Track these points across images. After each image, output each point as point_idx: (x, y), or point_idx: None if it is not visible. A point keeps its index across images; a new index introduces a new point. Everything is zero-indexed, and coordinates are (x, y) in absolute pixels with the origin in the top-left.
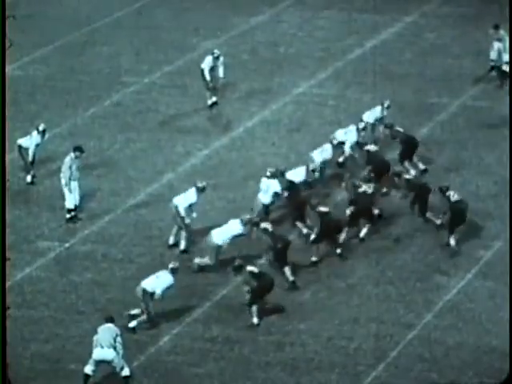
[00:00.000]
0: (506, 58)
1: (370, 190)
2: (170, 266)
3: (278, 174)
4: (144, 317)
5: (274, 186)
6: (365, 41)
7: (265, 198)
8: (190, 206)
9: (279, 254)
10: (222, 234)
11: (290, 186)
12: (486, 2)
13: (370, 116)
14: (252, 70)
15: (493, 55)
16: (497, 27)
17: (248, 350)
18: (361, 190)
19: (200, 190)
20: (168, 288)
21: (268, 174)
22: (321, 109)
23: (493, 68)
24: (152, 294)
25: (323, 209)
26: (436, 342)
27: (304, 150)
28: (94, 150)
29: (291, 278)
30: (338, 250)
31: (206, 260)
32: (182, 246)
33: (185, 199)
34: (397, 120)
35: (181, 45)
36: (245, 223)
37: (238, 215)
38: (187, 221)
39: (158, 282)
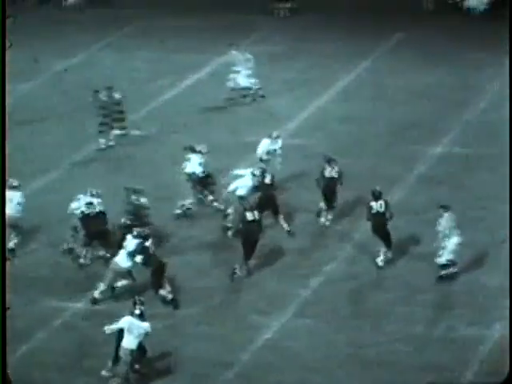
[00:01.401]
0: None
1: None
2: None
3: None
4: None
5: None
6: (177, 82)
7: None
8: None
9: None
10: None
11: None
12: (298, 42)
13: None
14: (64, 113)
15: None
16: None
17: None
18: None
19: None
20: None
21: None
22: (140, 150)
23: None
24: None
25: None
26: (256, 380)
27: None
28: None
29: None
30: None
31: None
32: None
33: None
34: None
35: None
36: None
37: None
38: None
39: None
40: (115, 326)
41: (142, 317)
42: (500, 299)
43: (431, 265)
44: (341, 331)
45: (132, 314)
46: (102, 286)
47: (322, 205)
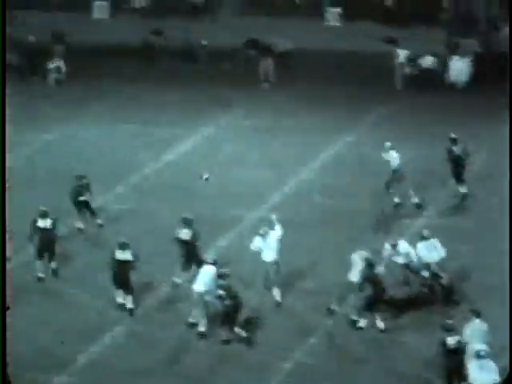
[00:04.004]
0: None
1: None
2: None
3: None
4: None
5: None
6: (160, 154)
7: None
8: None
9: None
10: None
11: None
12: (282, 114)
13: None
14: (48, 189)
15: None
16: None
17: None
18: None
19: None
20: None
21: None
22: (116, 224)
23: None
24: None
25: None
26: None
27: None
28: None
29: None
30: None
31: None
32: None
33: None
34: None
35: None
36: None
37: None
38: None
39: None
40: None
41: None
42: None
43: None
44: None
45: None
46: (201, 319)
47: None
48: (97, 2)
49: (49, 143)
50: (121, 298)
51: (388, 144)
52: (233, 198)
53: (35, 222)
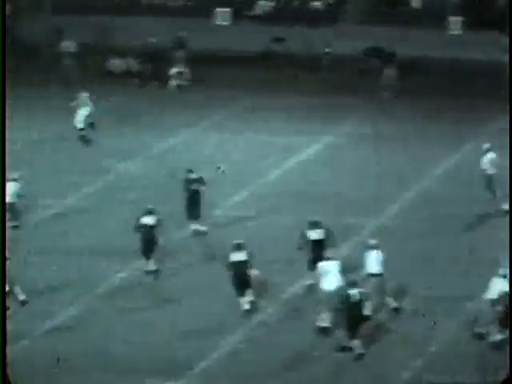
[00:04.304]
0: None
1: None
2: None
3: None
4: None
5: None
6: (283, 161)
7: None
8: None
9: None
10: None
11: None
12: (402, 123)
13: None
14: (169, 192)
15: None
16: None
17: None
18: None
19: None
20: None
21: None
22: (239, 231)
23: None
24: None
25: None
26: None
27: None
28: (11, 272)
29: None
30: None
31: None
32: None
33: None
34: None
35: (95, 167)
36: None
37: (156, 338)
38: None
39: None
40: None
41: None
42: None
43: None
44: None
45: None
46: (325, 316)
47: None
48: (219, 9)
49: (173, 147)
50: (243, 299)
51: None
52: (351, 206)
53: (139, 219)
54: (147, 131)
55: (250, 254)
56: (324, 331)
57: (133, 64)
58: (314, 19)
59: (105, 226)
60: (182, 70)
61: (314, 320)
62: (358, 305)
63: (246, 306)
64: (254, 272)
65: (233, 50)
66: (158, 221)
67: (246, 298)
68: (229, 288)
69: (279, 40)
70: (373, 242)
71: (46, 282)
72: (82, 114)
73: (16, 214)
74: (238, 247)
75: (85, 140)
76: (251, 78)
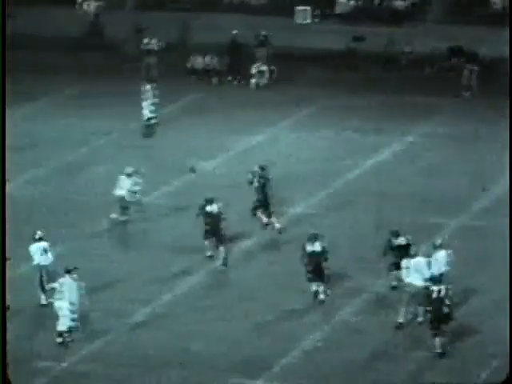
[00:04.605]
0: None
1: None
2: None
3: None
4: None
5: None
6: (363, 161)
7: None
8: None
9: None
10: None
11: None
12: (483, 123)
13: None
14: (249, 190)
15: None
16: None
17: None
18: None
19: None
20: None
21: None
22: (317, 230)
23: None
24: None
25: None
26: None
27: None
28: (91, 270)
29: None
30: None
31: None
32: None
33: None
34: None
35: (179, 165)
36: None
37: (234, 336)
38: None
39: None
40: None
41: None
42: None
43: None
44: None
45: None
46: (402, 312)
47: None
48: (299, 7)
49: (253, 146)
50: (318, 289)
51: None
52: (432, 206)
53: (203, 207)
54: (226, 129)
55: (324, 246)
56: (403, 328)
57: (214, 62)
58: (395, 18)
59: (185, 224)
60: (263, 68)
61: (394, 319)
62: (441, 302)
63: (321, 297)
64: (328, 264)
65: (313, 48)
66: (220, 208)
67: (321, 288)
68: (307, 285)
69: (360, 39)
70: (439, 241)
71: (124, 278)
72: (147, 106)
73: (125, 209)
74: (314, 238)
75: (150, 131)
76: (331, 76)
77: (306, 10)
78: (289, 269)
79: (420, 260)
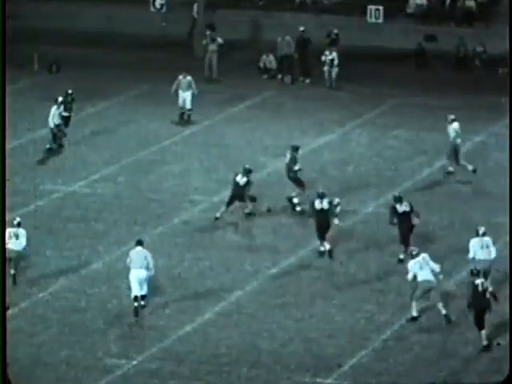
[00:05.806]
0: None
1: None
2: None
3: None
4: None
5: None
6: (433, 160)
7: None
8: None
9: None
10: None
11: None
12: None
13: None
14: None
15: None
16: None
17: None
18: None
19: None
20: None
21: None
22: (389, 228)
23: None
24: None
25: None
26: None
27: (372, 268)
28: (162, 267)
29: None
30: None
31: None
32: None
33: None
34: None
35: (250, 163)
36: None
37: (305, 335)
38: None
39: None
40: None
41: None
42: None
43: None
44: None
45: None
46: (414, 306)
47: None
48: (371, 6)
49: (325, 145)
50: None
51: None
52: (497, 205)
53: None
54: (298, 128)
55: (331, 204)
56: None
57: (287, 61)
58: (467, 18)
59: (255, 223)
60: (333, 56)
61: (461, 318)
62: (482, 294)
63: (322, 248)
64: (335, 221)
65: (384, 47)
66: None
67: (325, 244)
68: (378, 284)
69: (431, 38)
70: (482, 229)
71: (194, 278)
72: (183, 96)
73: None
74: (322, 196)
75: (186, 120)
76: (402, 76)
77: (378, 9)
78: (361, 268)
79: (424, 256)
